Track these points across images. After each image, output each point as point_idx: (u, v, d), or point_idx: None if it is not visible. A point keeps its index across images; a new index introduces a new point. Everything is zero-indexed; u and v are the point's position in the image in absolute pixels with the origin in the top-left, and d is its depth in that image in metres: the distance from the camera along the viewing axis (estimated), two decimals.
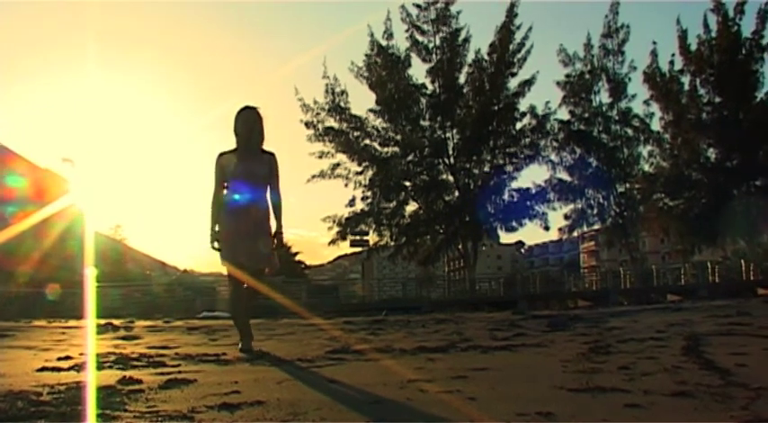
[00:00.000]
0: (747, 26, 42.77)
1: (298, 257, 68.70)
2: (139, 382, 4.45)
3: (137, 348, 7.53)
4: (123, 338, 9.45)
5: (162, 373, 4.97)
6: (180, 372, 5.10)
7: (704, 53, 43.05)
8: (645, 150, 44.08)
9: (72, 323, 15.29)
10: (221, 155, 6.67)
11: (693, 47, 43.38)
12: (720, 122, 42.17)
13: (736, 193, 43.10)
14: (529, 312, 15.31)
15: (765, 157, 42.59)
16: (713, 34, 43.08)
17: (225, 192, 6.68)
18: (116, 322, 14.12)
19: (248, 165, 6.59)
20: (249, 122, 6.66)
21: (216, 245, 6.61)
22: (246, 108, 6.73)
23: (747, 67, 42.44)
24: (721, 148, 42.86)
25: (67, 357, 6.26)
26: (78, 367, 5.49)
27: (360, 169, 42.80)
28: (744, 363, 4.83)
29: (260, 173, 6.63)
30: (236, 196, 6.61)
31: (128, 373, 4.84)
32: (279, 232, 6.77)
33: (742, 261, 43.56)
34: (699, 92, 43.36)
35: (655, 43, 45.10)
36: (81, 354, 6.70)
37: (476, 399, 3.73)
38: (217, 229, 6.62)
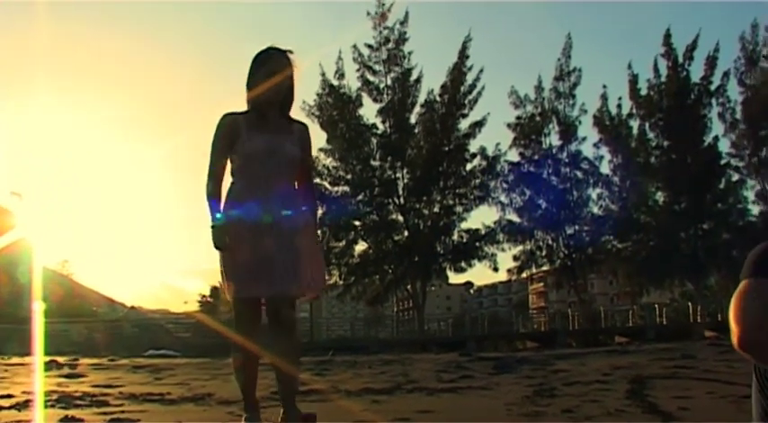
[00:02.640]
0: (696, 72, 43.19)
1: None
2: (81, 421, 4.53)
3: (80, 387, 7.41)
4: (67, 376, 9.31)
5: (105, 413, 5.02)
6: (123, 411, 5.16)
7: (654, 98, 43.60)
8: (594, 193, 44.30)
9: (15, 360, 15.12)
10: (227, 116, 4.51)
11: (644, 91, 43.88)
12: (669, 166, 42.58)
13: (684, 235, 43.52)
14: (476, 354, 15.22)
15: (713, 201, 43.08)
16: (663, 79, 43.55)
17: (231, 176, 4.52)
18: (60, 360, 13.98)
19: (270, 138, 4.38)
20: (279, 72, 4.44)
21: (227, 245, 4.27)
22: (275, 50, 4.53)
23: (696, 111, 43.01)
24: (669, 191, 43.24)
25: (9, 396, 6.17)
26: (20, 406, 5.44)
27: None
28: (687, 406, 4.98)
29: (289, 152, 4.38)
30: (248, 191, 4.35)
31: (70, 413, 4.89)
32: (318, 244, 4.71)
33: (689, 303, 43.88)
34: (648, 136, 43.92)
35: (605, 87, 45.28)
36: (23, 392, 6.56)
37: None
38: (221, 219, 4.28)
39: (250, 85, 4.54)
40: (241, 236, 4.33)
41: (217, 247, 4.39)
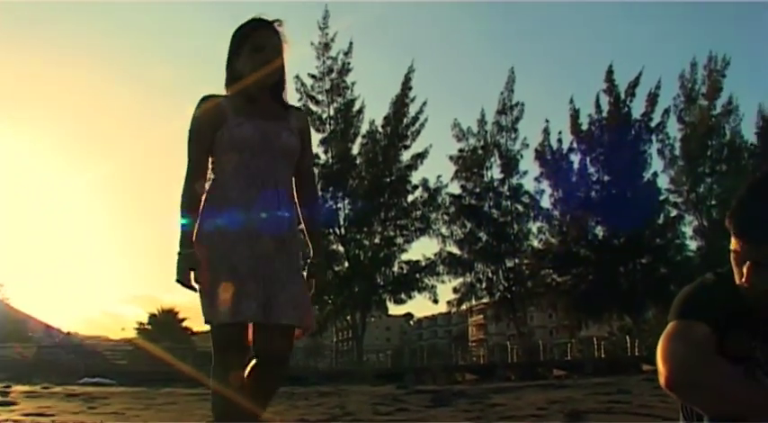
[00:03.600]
0: (637, 108, 43.68)
1: (185, 323, 67.19)
2: None
3: (11, 415, 7.30)
4: None
5: None
6: None
7: (595, 133, 43.91)
8: (534, 226, 44.57)
9: None
10: (207, 99, 3.73)
11: (585, 126, 44.16)
12: (609, 201, 42.83)
13: (623, 270, 43.81)
14: (413, 387, 15.26)
15: (651, 236, 43.49)
16: (604, 115, 43.96)
17: (212, 174, 3.74)
18: None
19: (263, 126, 3.67)
20: (268, 48, 3.71)
21: (191, 280, 3.50)
22: (260, 22, 3.78)
23: (636, 147, 43.39)
24: (609, 225, 43.46)
25: None
26: None
27: None
28: None
29: (286, 142, 3.69)
30: (235, 191, 3.61)
31: None
32: (318, 263, 3.82)
33: (627, 337, 44.19)
34: (589, 170, 44.14)
35: (547, 121, 45.57)
36: None
37: None
38: (192, 247, 3.52)
39: (233, 66, 3.76)
40: (230, 248, 3.54)
41: (179, 282, 3.49)
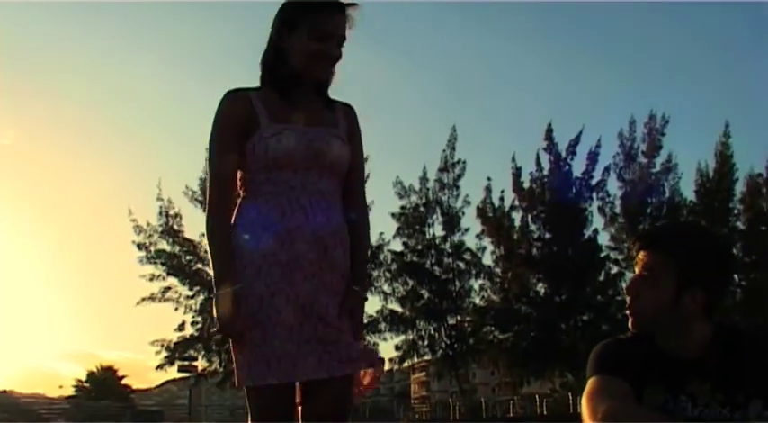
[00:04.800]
0: (578, 166, 44.01)
1: (124, 381, 66.30)
2: None
3: None
4: None
5: None
6: None
7: (536, 191, 44.09)
8: (476, 284, 44.54)
9: None
10: (234, 95, 3.09)
11: (526, 184, 44.36)
12: (550, 258, 43.02)
13: (564, 327, 43.82)
14: None
15: (592, 293, 43.66)
16: (545, 172, 44.22)
17: (240, 191, 3.14)
18: None
19: (307, 135, 3.07)
20: (336, 39, 3.09)
21: (237, 325, 2.93)
22: (335, 3, 3.08)
23: (576, 205, 43.66)
24: (550, 282, 43.57)
25: None
26: None
27: (191, 293, 42.01)
28: None
29: (337, 155, 3.11)
30: (273, 216, 3.02)
31: None
32: (357, 293, 3.16)
33: (569, 394, 44.25)
34: (530, 228, 44.28)
35: (489, 179, 45.72)
36: None
37: None
38: (233, 283, 2.94)
39: (278, 47, 3.09)
40: (267, 288, 2.94)
41: (223, 333, 2.98)
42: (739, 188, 45.60)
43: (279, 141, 2.98)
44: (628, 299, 2.74)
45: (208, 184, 3.13)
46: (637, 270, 2.67)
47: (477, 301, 44.96)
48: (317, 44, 3.02)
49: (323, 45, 3.03)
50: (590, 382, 2.56)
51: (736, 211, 45.59)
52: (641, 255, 2.65)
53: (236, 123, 3.03)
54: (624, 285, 42.04)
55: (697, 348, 2.63)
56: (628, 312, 2.73)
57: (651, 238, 2.67)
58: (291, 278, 2.98)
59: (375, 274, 43.42)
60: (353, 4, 3.12)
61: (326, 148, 3.06)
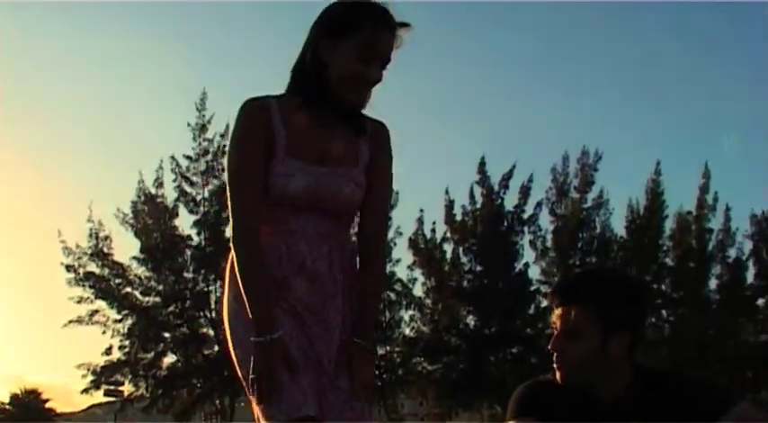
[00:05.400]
0: (510, 200, 44.33)
1: (48, 404, 65.14)
2: None
3: None
4: None
5: None
6: None
7: (469, 223, 44.34)
8: (406, 314, 44.59)
9: None
10: (256, 102, 2.84)
11: (459, 217, 44.56)
12: (481, 291, 43.24)
13: (494, 359, 44.06)
14: None
15: (522, 326, 43.90)
16: (478, 206, 44.48)
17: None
18: None
19: (321, 178, 2.85)
20: (382, 56, 2.80)
21: (272, 375, 2.68)
22: (388, 22, 2.79)
23: (508, 238, 44.02)
24: (480, 315, 43.77)
25: None
26: None
27: (119, 317, 41.69)
28: None
29: (349, 198, 2.89)
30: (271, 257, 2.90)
31: None
32: (362, 347, 2.92)
33: None
34: (461, 260, 44.43)
35: (422, 211, 45.88)
36: None
37: None
38: (275, 329, 2.75)
39: (317, 59, 2.76)
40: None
41: (260, 381, 2.67)
42: (669, 225, 46.24)
43: (288, 183, 2.77)
44: (554, 355, 2.74)
45: (231, 212, 2.84)
46: (557, 325, 2.68)
47: (407, 331, 44.98)
48: (361, 65, 2.73)
49: (367, 67, 2.75)
50: None
51: (665, 248, 46.12)
52: (560, 311, 2.67)
53: (259, 138, 2.78)
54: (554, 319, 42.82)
55: (618, 390, 2.67)
56: (555, 366, 2.72)
57: (568, 293, 2.67)
58: (292, 322, 2.85)
59: None
60: (407, 25, 2.86)
61: (336, 192, 2.82)
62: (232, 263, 3.02)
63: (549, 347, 2.63)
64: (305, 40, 2.84)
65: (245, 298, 2.76)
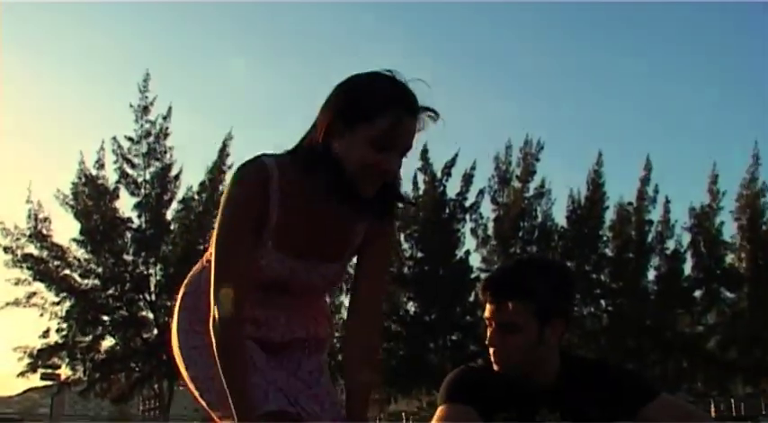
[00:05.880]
0: (453, 188, 44.61)
1: None
2: None
3: None
4: None
5: None
6: None
7: (411, 209, 44.38)
8: (346, 300, 44.35)
9: None
10: (262, 178, 2.54)
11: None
12: (421, 277, 43.41)
13: (433, 346, 44.25)
14: None
15: (462, 313, 44.14)
16: (420, 192, 44.72)
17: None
18: None
19: (301, 271, 2.66)
20: (400, 150, 2.53)
21: None
22: (413, 106, 2.51)
23: (450, 226, 44.26)
24: (421, 302, 43.97)
25: None
26: None
27: (57, 300, 41.17)
28: None
29: (323, 280, 2.76)
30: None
31: None
32: (362, 401, 2.77)
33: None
34: (403, 246, 44.53)
35: None
36: None
37: None
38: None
39: (332, 135, 2.48)
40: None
41: None
42: (609, 216, 46.95)
43: (267, 265, 2.57)
44: (491, 350, 2.72)
45: (215, 278, 2.53)
46: (492, 320, 2.64)
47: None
48: (377, 154, 2.43)
49: (384, 156, 2.45)
50: (439, 410, 2.60)
51: (605, 238, 46.75)
52: (493, 306, 2.64)
53: (251, 214, 2.52)
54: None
55: (549, 376, 2.71)
56: (493, 360, 2.70)
57: (501, 290, 2.63)
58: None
59: None
60: (431, 110, 2.56)
61: (306, 282, 2.65)
62: (188, 287, 2.97)
63: (488, 343, 2.65)
64: (316, 118, 2.56)
65: (223, 379, 2.47)
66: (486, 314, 2.66)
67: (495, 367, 2.69)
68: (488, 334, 2.70)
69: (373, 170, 2.44)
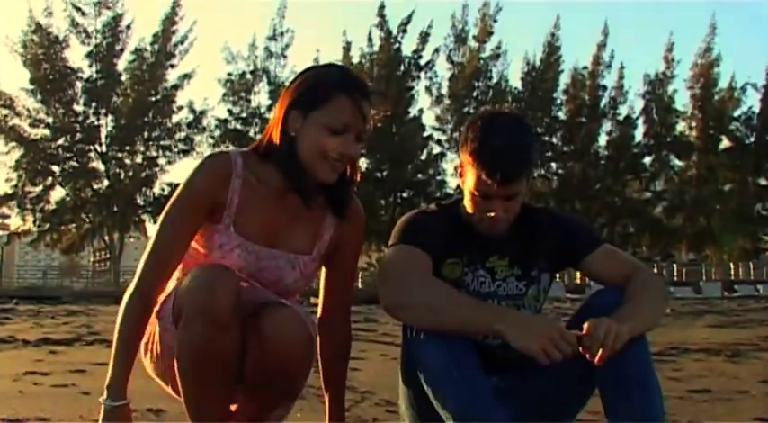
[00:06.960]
0: (409, 45, 44.35)
1: None
2: None
3: None
4: None
5: None
6: None
7: (365, 66, 44.25)
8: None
9: None
10: (224, 167, 2.49)
11: (356, 59, 44.44)
12: (374, 134, 43.35)
13: (384, 203, 44.66)
14: None
15: (414, 171, 44.51)
16: (375, 49, 44.43)
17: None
18: None
19: (263, 260, 2.54)
20: (354, 132, 2.48)
21: None
22: (363, 89, 2.53)
23: (404, 83, 44.21)
24: (372, 158, 44.06)
25: None
26: None
27: (6, 150, 40.85)
28: (358, 367, 5.38)
29: (286, 283, 2.59)
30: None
31: None
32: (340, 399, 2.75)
33: None
34: None
35: (318, 51, 45.72)
36: None
37: (89, 393, 4.10)
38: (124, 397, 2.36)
39: (286, 126, 2.50)
40: None
41: None
42: (564, 80, 47.10)
43: (223, 257, 2.48)
44: (489, 215, 2.57)
45: (148, 252, 2.48)
46: (495, 193, 2.50)
47: None
48: (332, 139, 2.45)
49: (339, 140, 2.45)
50: (391, 250, 2.49)
51: (558, 102, 47.07)
52: (502, 187, 2.51)
53: (203, 207, 2.46)
54: (445, 166, 42.78)
55: None
56: (488, 226, 2.57)
57: (515, 174, 2.50)
58: None
59: (197, 139, 43.39)
60: (380, 93, 2.29)
61: (277, 279, 2.56)
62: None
63: (491, 214, 2.52)
64: (274, 110, 2.57)
65: (112, 351, 2.41)
66: (489, 191, 2.54)
67: (489, 232, 2.66)
68: (477, 203, 2.61)
69: (330, 155, 2.45)
